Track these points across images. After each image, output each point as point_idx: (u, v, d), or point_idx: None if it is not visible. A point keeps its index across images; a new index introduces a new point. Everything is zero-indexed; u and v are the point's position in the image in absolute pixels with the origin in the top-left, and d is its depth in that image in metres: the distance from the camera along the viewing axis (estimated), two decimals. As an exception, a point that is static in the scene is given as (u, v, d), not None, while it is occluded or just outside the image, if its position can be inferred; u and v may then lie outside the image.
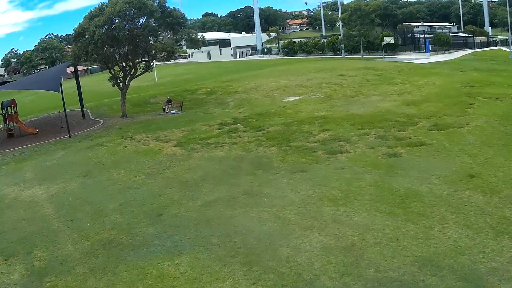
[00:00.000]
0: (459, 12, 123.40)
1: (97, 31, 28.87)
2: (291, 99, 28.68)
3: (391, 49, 63.89)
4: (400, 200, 11.87)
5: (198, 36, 31.41)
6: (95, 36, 28.88)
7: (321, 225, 10.46)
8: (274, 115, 24.18)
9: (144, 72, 32.18)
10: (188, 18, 31.13)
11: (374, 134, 18.49)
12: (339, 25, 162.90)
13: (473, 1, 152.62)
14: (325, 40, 77.27)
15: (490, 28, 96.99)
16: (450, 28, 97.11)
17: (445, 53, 61.47)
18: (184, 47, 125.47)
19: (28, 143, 25.28)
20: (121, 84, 32.31)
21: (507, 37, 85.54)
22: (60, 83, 27.59)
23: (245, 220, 11.01)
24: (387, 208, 11.43)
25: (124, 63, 32.07)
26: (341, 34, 65.83)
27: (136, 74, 32.21)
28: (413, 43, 66.24)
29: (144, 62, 32.78)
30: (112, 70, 32.59)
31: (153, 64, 34.07)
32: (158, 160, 17.92)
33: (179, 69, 74.20)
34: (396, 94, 28.63)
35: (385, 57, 58.07)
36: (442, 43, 63.95)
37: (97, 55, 30.92)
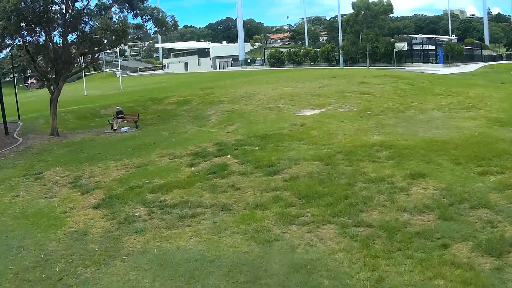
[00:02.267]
0: (448, 27, 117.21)
1: (13, -1, 18.37)
2: (308, 113, 18.39)
3: (397, 59, 54.86)
4: None
5: (168, 18, 20.95)
6: (8, 7, 18.32)
7: None
8: (290, 139, 13.81)
9: (85, 67, 21.65)
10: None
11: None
12: (322, 40, 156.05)
13: (461, 17, 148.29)
14: (318, 50, 67.78)
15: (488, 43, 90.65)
16: (450, 40, 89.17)
17: (457, 65, 54.04)
18: (161, 58, 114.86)
19: None
20: (52, 86, 21.84)
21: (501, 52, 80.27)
22: None
23: None
24: None
25: (56, 55, 21.44)
26: (340, 41, 56.21)
27: (71, 72, 21.56)
28: (423, 55, 57.71)
29: (87, 55, 22.27)
30: (38, 65, 22.19)
31: (100, 65, 23.41)
32: (46, 249, 8.00)
33: (152, 79, 64.47)
34: (461, 108, 19.91)
35: (395, 68, 48.92)
36: (455, 54, 55.80)
37: (11, 36, 20.17)
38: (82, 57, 22.73)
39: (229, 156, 12.32)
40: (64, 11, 20.16)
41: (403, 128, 15.24)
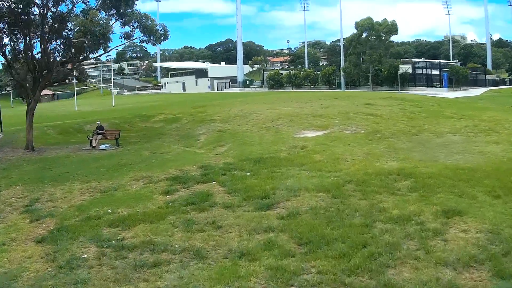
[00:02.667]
0: (449, 53, 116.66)
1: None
2: (310, 135, 16.35)
3: (400, 83, 53.41)
4: None
5: (158, 26, 19.11)
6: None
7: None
8: (288, 164, 11.70)
9: (65, 77, 19.86)
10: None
11: None
12: (322, 64, 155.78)
13: (462, 43, 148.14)
14: (318, 72, 66.46)
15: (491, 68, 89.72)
16: (453, 65, 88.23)
17: (461, 90, 53.24)
18: (159, 77, 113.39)
19: None
20: (29, 96, 20.30)
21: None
22: None
23: None
24: None
25: (35, 62, 19.71)
26: (342, 63, 54.69)
27: (50, 82, 19.72)
28: (426, 79, 56.59)
29: (68, 63, 20.49)
30: (15, 71, 20.61)
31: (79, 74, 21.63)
32: None
33: (148, 97, 63.54)
34: (478, 131, 17.93)
35: (398, 91, 47.37)
36: (459, 78, 54.69)
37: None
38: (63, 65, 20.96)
39: (214, 182, 10.14)
40: (44, 12, 18.34)
41: (420, 153, 13.17)
